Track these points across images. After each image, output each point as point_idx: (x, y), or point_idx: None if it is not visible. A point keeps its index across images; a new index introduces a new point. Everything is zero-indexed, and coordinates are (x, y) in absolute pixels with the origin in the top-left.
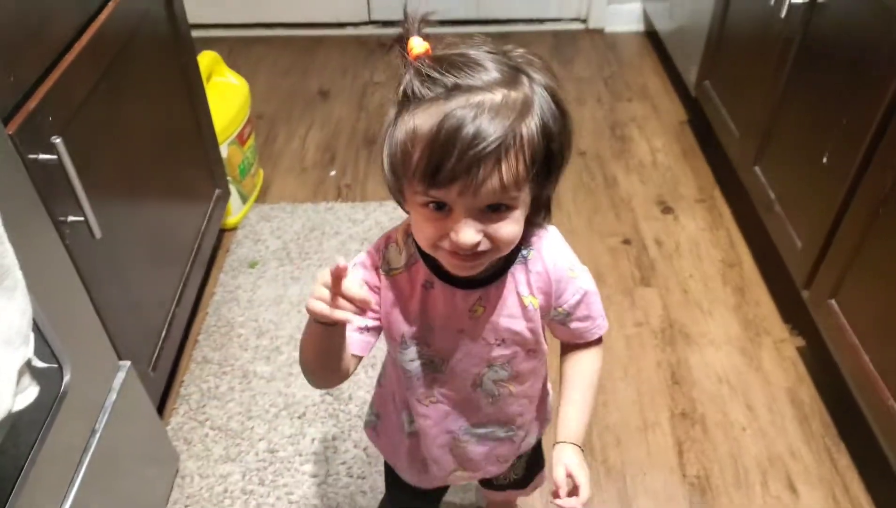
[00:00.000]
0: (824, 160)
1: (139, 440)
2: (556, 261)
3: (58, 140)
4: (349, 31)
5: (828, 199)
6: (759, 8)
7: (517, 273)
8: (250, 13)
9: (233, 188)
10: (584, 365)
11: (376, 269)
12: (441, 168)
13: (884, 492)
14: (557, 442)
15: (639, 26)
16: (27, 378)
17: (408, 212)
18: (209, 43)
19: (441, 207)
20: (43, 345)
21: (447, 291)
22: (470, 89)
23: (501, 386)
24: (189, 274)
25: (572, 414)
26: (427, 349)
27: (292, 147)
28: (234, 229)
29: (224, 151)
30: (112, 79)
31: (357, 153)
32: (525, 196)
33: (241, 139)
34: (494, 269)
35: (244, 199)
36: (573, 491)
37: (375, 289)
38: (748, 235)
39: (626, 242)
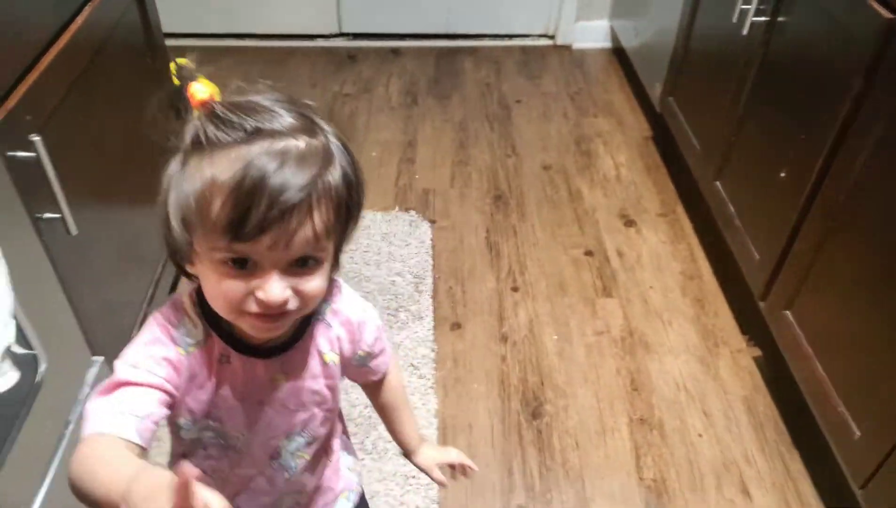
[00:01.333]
0: (782, 175)
1: None
2: (353, 306)
3: (37, 138)
4: (319, 42)
5: (784, 213)
6: (723, 25)
7: (317, 331)
8: (222, 23)
9: None
10: (392, 387)
11: (174, 342)
12: (248, 219)
13: (834, 497)
14: (411, 455)
15: (606, 43)
16: (7, 364)
17: (189, 276)
18: (181, 51)
19: (243, 263)
20: (19, 337)
21: (246, 363)
22: (272, 134)
23: (298, 457)
24: (160, 276)
25: (408, 430)
26: (220, 426)
27: None
28: None
29: None
30: (88, 81)
31: None
32: (331, 248)
33: None
34: (293, 331)
35: None
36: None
37: (177, 365)
38: (708, 248)
39: (589, 253)
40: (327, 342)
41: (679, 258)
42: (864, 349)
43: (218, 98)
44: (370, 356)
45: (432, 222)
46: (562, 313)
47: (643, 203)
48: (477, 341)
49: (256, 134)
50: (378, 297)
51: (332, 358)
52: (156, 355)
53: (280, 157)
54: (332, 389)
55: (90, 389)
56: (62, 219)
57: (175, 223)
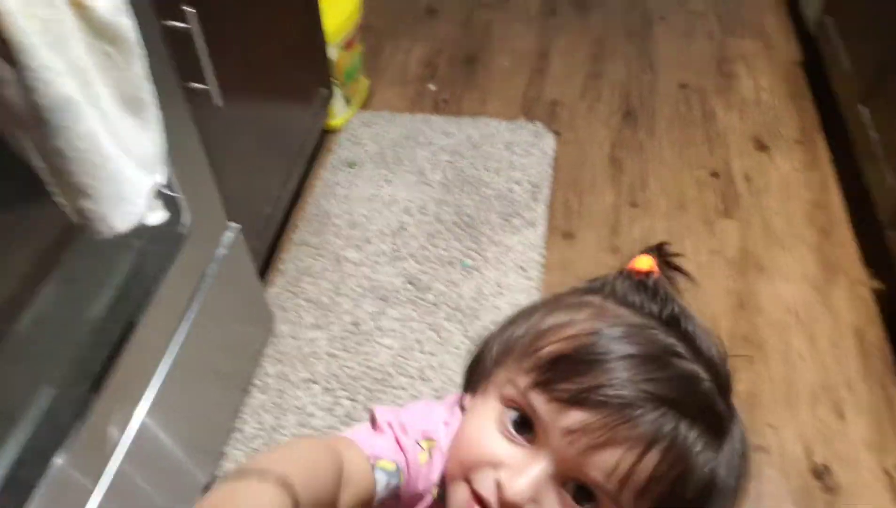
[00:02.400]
0: None
1: (240, 299)
2: None
3: (191, 10)
4: None
5: None
6: None
7: None
8: None
9: (338, 91)
10: None
11: (435, 477)
12: (579, 376)
13: None
14: None
15: None
16: (158, 202)
17: (463, 410)
18: None
19: (525, 427)
20: (167, 191)
21: None
22: (681, 335)
23: None
24: (293, 164)
25: None
26: None
27: (396, 60)
28: (336, 130)
29: (332, 53)
30: None
31: (456, 70)
32: None
33: (348, 45)
34: None
35: (347, 102)
36: None
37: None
38: (844, 179)
39: (715, 175)
40: None
41: (810, 187)
42: None
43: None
44: None
45: (557, 134)
46: (678, 231)
47: (780, 129)
48: (587, 250)
49: (665, 321)
50: (494, 202)
51: None
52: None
53: (664, 359)
54: None
55: (225, 251)
56: (208, 90)
57: (498, 343)
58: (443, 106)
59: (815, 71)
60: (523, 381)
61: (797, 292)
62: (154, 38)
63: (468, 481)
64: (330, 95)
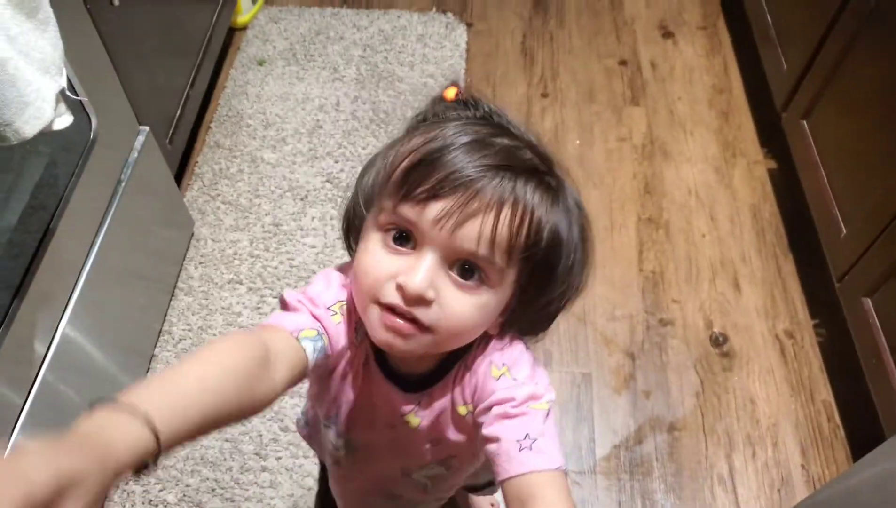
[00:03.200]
0: None
1: (157, 203)
2: (493, 361)
3: None
4: None
5: (818, 20)
6: None
7: (459, 376)
8: None
9: None
10: None
11: (353, 329)
12: (422, 179)
13: (817, 296)
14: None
15: None
16: (63, 106)
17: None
18: None
19: (404, 240)
20: (71, 96)
21: (384, 385)
22: (502, 129)
23: (433, 476)
24: (201, 63)
25: None
26: (350, 436)
27: None
28: (243, 27)
29: None
30: None
31: None
32: (507, 282)
33: None
34: (434, 367)
35: None
36: None
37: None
38: (743, 63)
39: (623, 63)
40: (460, 393)
41: (712, 72)
42: (865, 159)
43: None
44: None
45: (469, 24)
46: (587, 120)
47: (684, 15)
48: None
49: (484, 119)
50: (409, 98)
51: (466, 410)
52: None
53: (488, 140)
54: (470, 442)
55: (137, 155)
56: None
57: (361, 195)
58: None
59: None
60: (390, 203)
61: (699, 174)
62: None
63: (376, 302)
64: None
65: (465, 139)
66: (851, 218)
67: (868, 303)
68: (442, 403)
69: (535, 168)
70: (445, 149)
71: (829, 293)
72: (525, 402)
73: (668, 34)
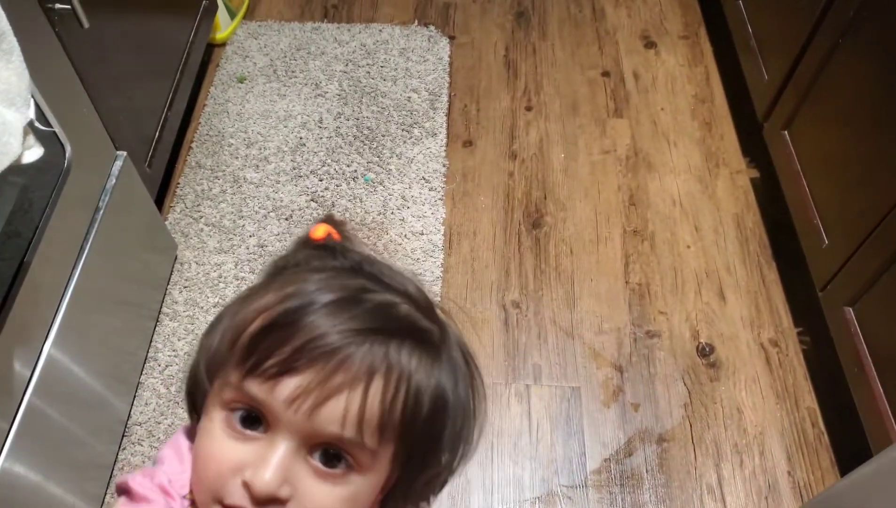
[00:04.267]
0: None
1: (139, 227)
2: None
3: None
4: None
5: (797, 30)
6: None
7: None
8: None
9: (220, 2)
10: None
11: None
12: (282, 345)
13: (800, 304)
14: None
15: None
16: (31, 138)
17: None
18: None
19: (254, 423)
20: (43, 125)
21: None
22: (372, 278)
23: None
24: (179, 82)
25: None
26: None
27: None
28: (223, 44)
29: None
30: None
31: None
32: (381, 463)
33: None
34: None
35: (232, 14)
36: None
37: None
38: (725, 73)
39: (606, 74)
40: None
41: (694, 82)
42: (846, 169)
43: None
44: None
45: (451, 38)
46: (572, 133)
47: (666, 25)
48: (487, 157)
49: (350, 270)
50: (393, 113)
51: None
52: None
53: (357, 297)
54: None
55: (115, 180)
56: (73, 10)
57: (203, 358)
58: (333, 13)
59: None
60: (235, 376)
61: (682, 185)
62: None
63: (219, 502)
64: (213, 8)
65: (328, 297)
66: (833, 228)
67: (850, 312)
68: None
69: (413, 325)
70: (303, 310)
71: (812, 301)
72: None
73: (650, 44)
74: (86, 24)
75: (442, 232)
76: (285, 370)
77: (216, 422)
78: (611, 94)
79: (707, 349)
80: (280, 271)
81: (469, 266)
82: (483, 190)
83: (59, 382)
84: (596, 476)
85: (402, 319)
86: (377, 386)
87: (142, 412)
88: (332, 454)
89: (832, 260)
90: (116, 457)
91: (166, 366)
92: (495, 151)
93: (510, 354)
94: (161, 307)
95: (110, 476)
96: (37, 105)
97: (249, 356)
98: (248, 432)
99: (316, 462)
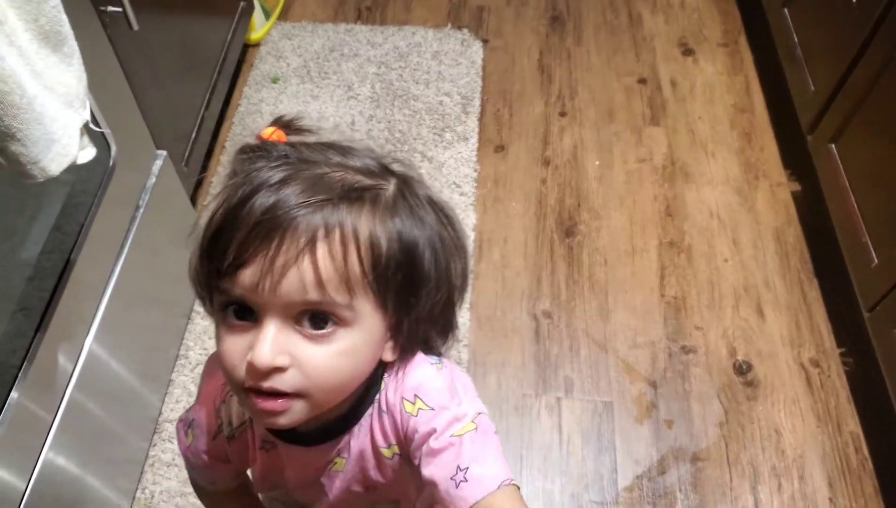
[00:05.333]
0: (854, 1)
1: (175, 225)
2: (405, 395)
3: None
4: None
5: (848, 42)
6: None
7: (370, 420)
8: None
9: (257, 3)
10: None
11: (211, 435)
12: (231, 241)
13: (843, 324)
14: None
15: None
16: (86, 139)
17: None
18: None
19: (246, 313)
20: (94, 127)
21: (293, 451)
22: (317, 163)
23: None
24: (216, 83)
25: None
26: (286, 492)
27: None
28: (257, 44)
29: None
30: None
31: None
32: (366, 312)
33: None
34: (345, 412)
35: (267, 15)
36: None
37: (223, 460)
38: (766, 82)
39: (642, 81)
40: (381, 434)
41: (734, 91)
42: None
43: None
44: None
45: (485, 41)
46: (607, 140)
47: (705, 32)
48: (519, 163)
49: (287, 157)
50: (425, 116)
51: (390, 452)
52: (199, 452)
53: (289, 178)
54: (401, 483)
55: (155, 179)
56: (124, 13)
57: (190, 274)
58: (366, 14)
59: None
60: (214, 280)
61: (720, 196)
62: None
63: (242, 388)
64: (249, 9)
65: (262, 186)
66: (882, 247)
67: None
68: (360, 445)
69: (349, 187)
70: (242, 204)
71: (856, 321)
72: (446, 430)
73: (688, 51)
74: (135, 27)
75: (472, 238)
76: (239, 263)
77: (219, 325)
78: (647, 101)
79: (744, 367)
80: (229, 181)
81: (499, 274)
82: (515, 196)
83: (99, 377)
84: (627, 494)
85: (338, 181)
86: (323, 249)
87: (172, 409)
88: (317, 317)
89: (881, 280)
90: (147, 453)
91: (197, 364)
92: (528, 156)
93: (541, 365)
94: (193, 306)
95: (141, 472)
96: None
97: (212, 259)
98: (244, 323)
99: (306, 328)
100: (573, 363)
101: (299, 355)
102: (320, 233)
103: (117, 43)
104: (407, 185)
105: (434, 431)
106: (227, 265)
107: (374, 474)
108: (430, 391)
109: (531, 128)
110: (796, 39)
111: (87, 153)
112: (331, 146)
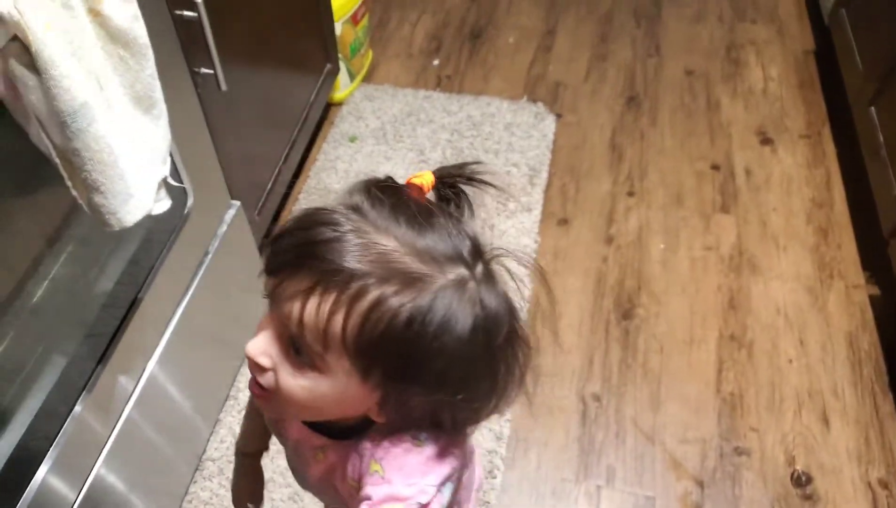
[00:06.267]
0: None
1: (242, 271)
2: (374, 454)
3: None
4: None
5: None
6: None
7: (352, 448)
8: None
9: (342, 65)
10: None
11: None
12: (277, 252)
13: None
14: None
15: None
16: (163, 192)
17: None
18: None
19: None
20: (173, 172)
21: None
22: (376, 229)
23: None
24: (296, 139)
25: None
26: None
27: (402, 32)
28: (339, 104)
29: (338, 28)
30: None
31: (462, 46)
32: (339, 370)
33: (354, 19)
34: (339, 430)
35: (352, 77)
36: None
37: None
38: (848, 178)
39: (715, 167)
40: (351, 466)
41: (813, 184)
42: None
43: (427, 190)
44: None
45: (559, 115)
46: (674, 224)
47: (786, 122)
48: (581, 238)
49: (363, 220)
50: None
51: (351, 484)
52: None
53: (347, 233)
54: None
55: (227, 227)
56: (215, 75)
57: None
58: (446, 82)
59: (827, 63)
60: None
61: (790, 293)
62: (165, 29)
63: None
64: (335, 71)
65: (326, 224)
66: None
67: None
68: (337, 459)
69: (391, 265)
70: (302, 229)
71: None
72: (378, 504)
73: (766, 140)
74: (224, 87)
75: (526, 310)
76: (269, 270)
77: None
78: (719, 188)
79: (803, 479)
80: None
81: (551, 349)
82: (574, 271)
83: (155, 404)
84: None
85: (378, 257)
86: (314, 301)
87: (216, 449)
88: (297, 348)
89: None
90: (187, 489)
91: (243, 407)
92: (591, 233)
93: (584, 450)
94: None
95: (179, 506)
96: (172, 161)
97: (265, 256)
98: (270, 315)
99: (291, 349)
100: (618, 452)
101: (278, 365)
102: (320, 288)
103: (206, 101)
104: (467, 287)
105: (369, 498)
106: (265, 265)
107: (339, 486)
108: (392, 461)
109: (597, 205)
110: (881, 139)
111: (162, 205)
112: (413, 218)
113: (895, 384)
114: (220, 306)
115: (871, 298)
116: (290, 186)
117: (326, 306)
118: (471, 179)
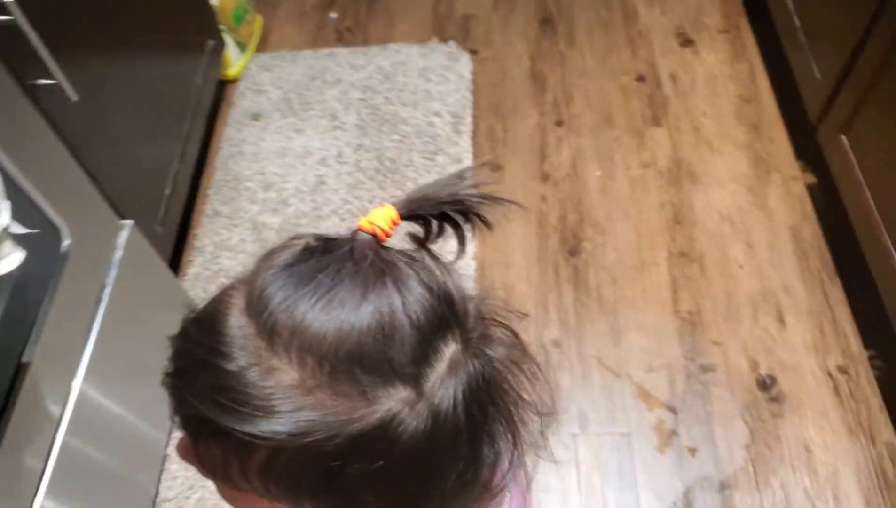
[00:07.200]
0: None
1: (153, 292)
2: None
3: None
4: None
5: (852, 24)
6: None
7: None
8: None
9: (228, 38)
10: None
11: None
12: (178, 397)
13: (871, 324)
14: None
15: None
16: (9, 245)
17: None
18: None
19: None
20: (35, 212)
21: None
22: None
23: None
24: (190, 131)
25: None
26: None
27: None
28: (234, 81)
29: None
30: None
31: None
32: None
33: None
34: None
35: (242, 48)
36: None
37: None
38: (772, 67)
39: (640, 79)
40: None
41: (737, 80)
42: None
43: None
44: None
45: (473, 52)
46: (607, 147)
47: (704, 19)
48: (517, 181)
49: (298, 332)
50: (415, 141)
51: None
52: None
53: (248, 363)
54: None
55: (122, 252)
56: (58, 85)
57: None
58: (347, 36)
59: None
60: None
61: (731, 196)
62: None
63: None
64: (220, 46)
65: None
66: None
67: None
68: None
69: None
70: (181, 368)
71: (884, 322)
72: None
73: (687, 41)
74: (74, 97)
75: (473, 267)
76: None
77: None
78: (647, 100)
79: (768, 382)
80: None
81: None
82: (515, 218)
83: (77, 470)
84: None
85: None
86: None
87: (170, 488)
88: None
89: None
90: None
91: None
92: (525, 173)
93: (552, 400)
94: None
95: None
96: (24, 193)
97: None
98: None
99: None
100: (586, 394)
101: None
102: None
103: (55, 117)
104: (404, 415)
105: None
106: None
107: None
108: None
109: (527, 142)
110: (798, 23)
111: (12, 261)
112: (334, 318)
113: (841, 269)
114: (138, 329)
115: (809, 187)
116: (196, 183)
117: (233, 470)
118: (458, 204)
